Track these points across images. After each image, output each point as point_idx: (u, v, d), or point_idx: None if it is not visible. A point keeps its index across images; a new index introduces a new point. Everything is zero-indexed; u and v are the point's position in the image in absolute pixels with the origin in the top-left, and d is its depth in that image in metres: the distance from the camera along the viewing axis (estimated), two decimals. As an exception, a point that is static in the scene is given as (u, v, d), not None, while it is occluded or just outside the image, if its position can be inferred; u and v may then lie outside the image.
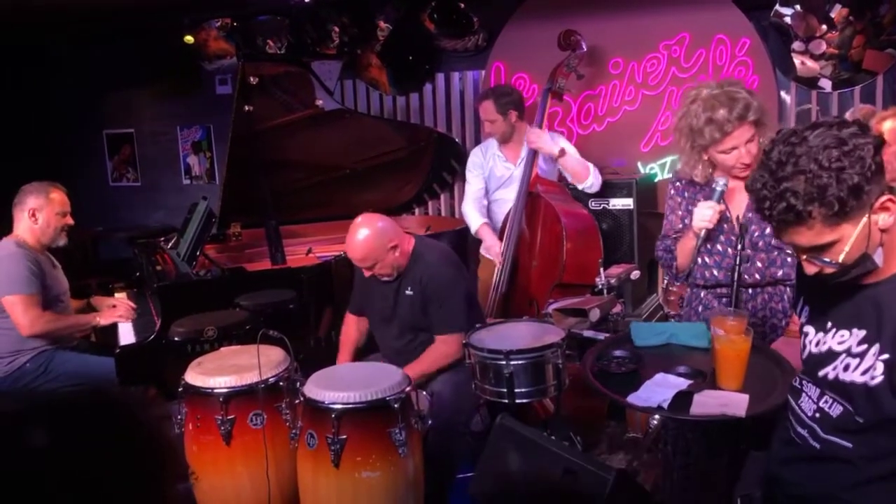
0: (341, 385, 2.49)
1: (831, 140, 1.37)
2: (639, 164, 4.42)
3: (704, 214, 2.18)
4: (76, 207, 3.60)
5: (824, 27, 4.01)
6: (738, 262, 2.12)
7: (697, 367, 1.92)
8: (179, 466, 0.94)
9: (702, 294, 2.39)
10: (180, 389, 2.66)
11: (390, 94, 5.20)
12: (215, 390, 2.58)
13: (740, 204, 2.29)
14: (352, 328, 3.24)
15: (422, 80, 5.07)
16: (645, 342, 2.14)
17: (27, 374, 3.29)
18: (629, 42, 4.34)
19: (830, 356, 1.55)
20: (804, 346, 1.65)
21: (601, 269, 3.32)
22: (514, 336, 2.71)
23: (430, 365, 2.88)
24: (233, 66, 5.41)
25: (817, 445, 1.57)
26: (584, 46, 3.98)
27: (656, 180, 4.38)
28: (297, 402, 2.56)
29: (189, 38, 5.26)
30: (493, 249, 3.82)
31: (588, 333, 2.80)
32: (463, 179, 4.92)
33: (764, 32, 4.12)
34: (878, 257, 1.46)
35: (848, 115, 4.13)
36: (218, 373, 2.64)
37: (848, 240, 1.41)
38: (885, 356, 1.44)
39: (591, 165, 3.81)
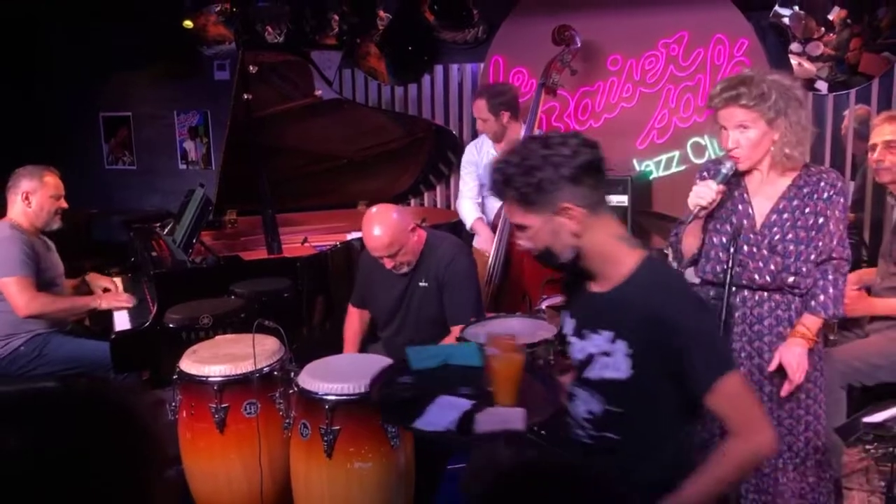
0: (336, 376, 2.51)
1: (541, 145, 1.63)
2: (634, 162, 4.45)
3: (701, 191, 2.19)
4: (71, 189, 3.60)
5: (822, 29, 4.04)
6: (730, 265, 2.14)
7: (477, 386, 1.95)
8: (166, 457, 0.95)
9: (711, 293, 2.35)
10: (175, 377, 2.68)
11: (388, 84, 5.20)
12: (210, 378, 2.60)
13: (763, 206, 2.29)
14: (355, 320, 3.24)
15: (420, 71, 5.07)
16: (421, 365, 2.16)
17: (21, 357, 3.30)
18: (628, 39, 4.35)
19: (590, 359, 1.75)
20: (572, 356, 1.83)
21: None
22: (507, 331, 2.73)
23: None
24: (231, 51, 5.39)
25: (591, 442, 1.78)
26: (578, 42, 3.98)
27: (651, 178, 4.41)
28: (291, 391, 2.58)
29: (188, 23, 5.24)
30: (487, 243, 3.83)
31: (580, 330, 2.83)
32: (459, 172, 4.95)
33: (762, 33, 4.14)
34: (568, 253, 1.69)
35: (845, 114, 4.16)
36: (213, 361, 2.66)
37: (534, 229, 1.67)
38: (630, 350, 1.65)
39: None
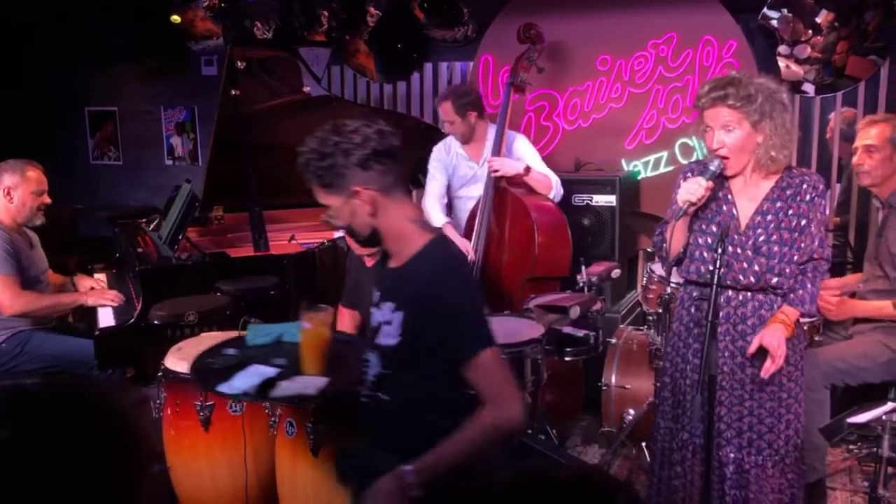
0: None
1: (334, 133, 1.78)
2: (623, 162, 4.46)
3: (691, 187, 2.20)
4: (56, 184, 3.55)
5: (810, 32, 4.06)
6: (717, 265, 2.14)
7: (296, 359, 2.23)
8: (151, 453, 0.95)
9: (695, 293, 2.38)
10: (160, 374, 2.66)
11: (377, 82, 5.18)
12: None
13: (747, 207, 2.31)
14: (347, 321, 3.24)
15: (409, 69, 5.06)
16: (256, 341, 2.40)
17: (3, 354, 3.26)
18: (617, 39, 4.36)
19: (377, 328, 1.92)
20: (371, 325, 2.00)
21: (583, 267, 3.35)
22: (494, 331, 2.73)
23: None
24: (219, 47, 5.35)
25: (366, 401, 1.98)
26: (544, 39, 3.98)
27: (639, 178, 4.42)
28: (277, 389, 2.56)
29: (176, 18, 5.20)
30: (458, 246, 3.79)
31: (567, 330, 2.84)
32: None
33: (751, 35, 4.16)
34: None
35: (831, 117, 4.19)
36: (198, 358, 2.64)
37: (335, 208, 1.84)
38: (404, 319, 1.84)
39: (553, 179, 3.78)
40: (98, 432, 0.86)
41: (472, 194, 3.87)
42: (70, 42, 5.90)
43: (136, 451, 0.90)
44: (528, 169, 3.69)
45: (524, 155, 3.84)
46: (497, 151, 3.74)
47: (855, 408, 2.35)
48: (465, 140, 3.88)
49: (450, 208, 4.06)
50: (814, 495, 2.87)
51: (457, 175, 3.97)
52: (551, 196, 3.77)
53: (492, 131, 3.84)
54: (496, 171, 3.66)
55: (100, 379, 3.02)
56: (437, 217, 3.94)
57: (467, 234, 3.82)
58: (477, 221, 3.73)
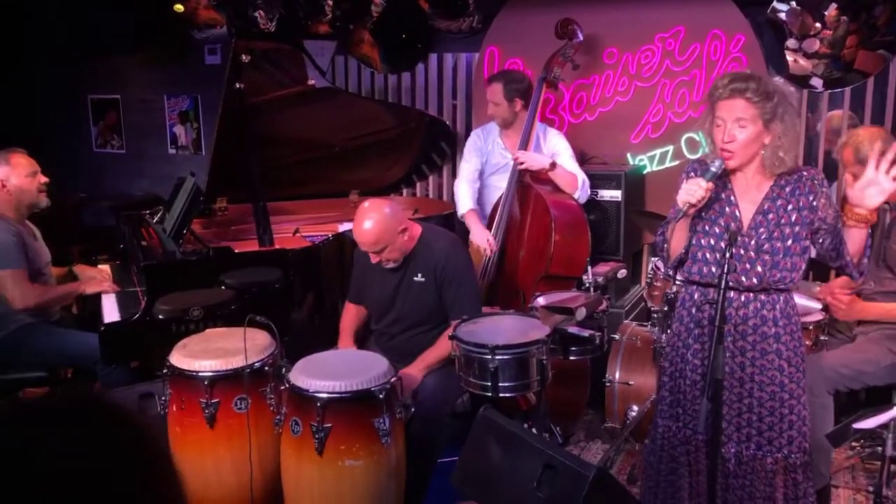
0: (327, 374, 2.50)
1: None
2: (628, 156, 4.43)
3: (691, 188, 2.18)
4: (59, 172, 3.54)
5: (819, 25, 4.02)
6: (726, 271, 2.13)
7: None
8: (173, 473, 0.95)
9: (696, 294, 2.38)
10: (165, 371, 2.66)
11: (381, 72, 5.15)
12: (200, 373, 2.58)
13: (748, 209, 2.30)
14: (352, 313, 3.25)
15: (414, 60, 5.03)
16: None
17: (6, 347, 3.27)
18: (624, 33, 4.32)
19: None
20: None
21: (589, 267, 3.34)
22: (499, 330, 2.73)
23: (447, 349, 2.86)
24: (222, 35, 5.32)
25: None
26: (580, 36, 3.95)
27: (645, 172, 4.40)
28: (282, 387, 2.57)
29: (179, 7, 5.16)
30: (478, 237, 3.78)
31: (573, 330, 2.83)
32: (452, 162, 4.91)
33: (759, 29, 4.12)
34: None
35: (826, 117, 4.16)
36: (203, 356, 2.64)
37: None
38: None
39: (580, 178, 3.76)
40: (121, 450, 0.86)
41: (501, 184, 3.85)
42: (72, 30, 5.86)
43: (160, 471, 0.90)
44: (553, 165, 3.68)
45: (557, 150, 3.83)
46: (525, 145, 3.73)
47: (861, 413, 2.34)
48: (505, 125, 3.87)
49: (478, 195, 4.04)
50: (819, 501, 2.87)
51: (490, 162, 3.97)
52: (576, 196, 3.75)
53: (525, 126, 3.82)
54: (521, 163, 3.65)
55: (118, 396, 3.04)
56: (464, 203, 3.89)
57: (489, 225, 3.82)
58: (498, 214, 3.73)
